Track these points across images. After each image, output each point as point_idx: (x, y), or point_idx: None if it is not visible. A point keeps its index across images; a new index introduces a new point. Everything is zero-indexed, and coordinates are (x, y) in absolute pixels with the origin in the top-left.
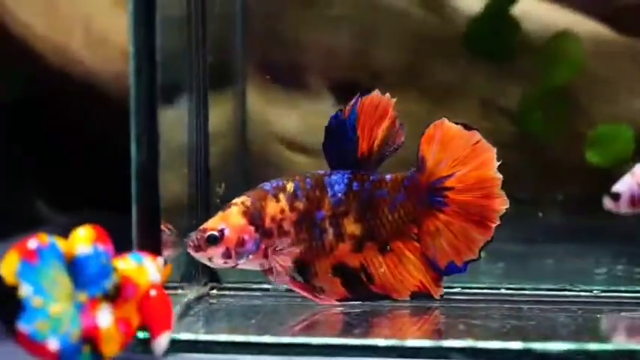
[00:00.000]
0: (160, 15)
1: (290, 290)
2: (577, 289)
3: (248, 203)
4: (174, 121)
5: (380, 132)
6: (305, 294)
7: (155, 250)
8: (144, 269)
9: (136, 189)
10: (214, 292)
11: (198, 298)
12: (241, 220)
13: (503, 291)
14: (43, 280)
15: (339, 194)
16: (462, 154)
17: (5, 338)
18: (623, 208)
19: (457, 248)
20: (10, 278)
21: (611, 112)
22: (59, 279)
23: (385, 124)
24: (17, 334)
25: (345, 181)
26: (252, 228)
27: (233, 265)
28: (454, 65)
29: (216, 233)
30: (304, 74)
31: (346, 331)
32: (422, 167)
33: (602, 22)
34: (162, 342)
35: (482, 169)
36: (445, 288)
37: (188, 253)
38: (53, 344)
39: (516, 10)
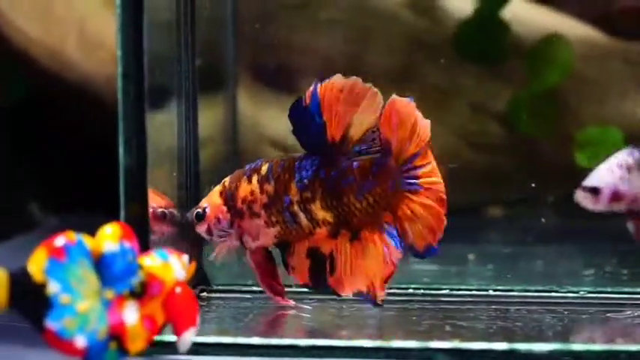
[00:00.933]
0: (148, 18)
1: None
2: (564, 290)
3: (226, 184)
4: (163, 125)
5: (353, 117)
6: (267, 291)
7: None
8: (169, 266)
9: (124, 192)
10: (204, 294)
11: None
12: (218, 200)
13: (491, 292)
14: (71, 278)
15: (305, 180)
16: (424, 129)
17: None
18: (602, 204)
19: (433, 229)
20: (38, 276)
21: (601, 114)
22: (86, 276)
23: (361, 109)
24: (45, 332)
25: (313, 167)
26: (225, 208)
27: (217, 240)
28: (444, 68)
29: (200, 211)
30: (295, 77)
31: (334, 332)
32: (388, 150)
33: (592, 24)
34: (187, 339)
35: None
36: (434, 290)
37: None
38: (81, 341)
39: (506, 12)
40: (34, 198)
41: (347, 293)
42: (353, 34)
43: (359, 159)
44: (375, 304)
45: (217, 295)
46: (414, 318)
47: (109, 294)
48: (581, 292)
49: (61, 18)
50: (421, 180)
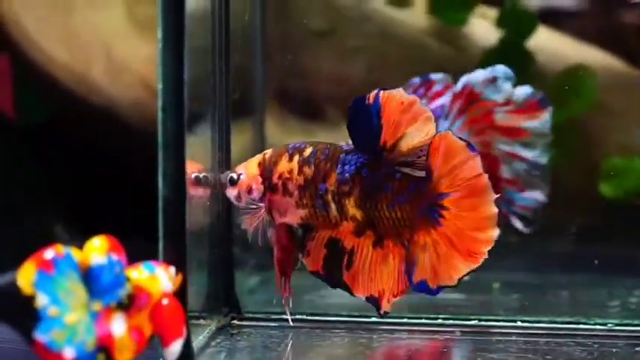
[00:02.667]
0: (187, 50)
1: (307, 320)
2: (592, 322)
3: (267, 156)
4: (197, 152)
5: (407, 130)
6: (277, 269)
7: (183, 284)
8: (156, 278)
9: (163, 224)
10: (235, 322)
11: (220, 329)
12: (255, 170)
13: (519, 324)
14: (59, 290)
15: (347, 174)
16: (462, 175)
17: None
18: None
19: (436, 271)
20: (27, 288)
21: (625, 144)
22: (74, 289)
23: (415, 126)
24: (34, 344)
25: (357, 164)
26: (260, 179)
27: (243, 208)
28: None
29: (234, 176)
30: (321, 104)
31: None
32: (429, 177)
33: (615, 54)
34: (174, 350)
35: (480, 198)
36: (462, 320)
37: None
38: (69, 353)
39: (530, 42)
40: (59, 220)
41: (360, 294)
42: (378, 62)
43: (402, 170)
44: (379, 314)
45: (248, 322)
46: (444, 350)
47: (97, 306)
48: (609, 325)
49: (88, 42)
50: (444, 219)
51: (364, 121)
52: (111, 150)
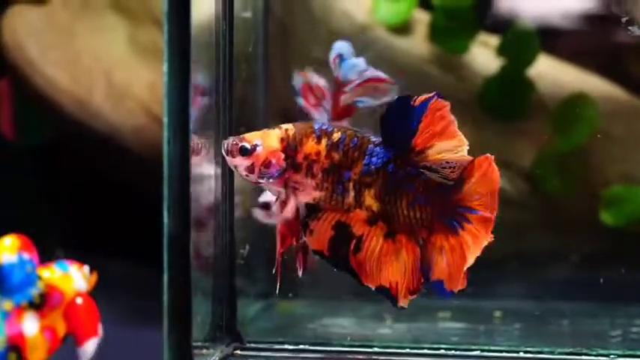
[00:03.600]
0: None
1: (309, 350)
2: (594, 352)
3: (291, 132)
4: (202, 179)
5: (437, 143)
6: (279, 237)
7: (187, 314)
8: (69, 277)
9: (168, 257)
10: (238, 352)
11: (223, 359)
12: (276, 144)
13: (522, 354)
14: None
15: (372, 166)
16: (490, 200)
17: None
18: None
19: (452, 275)
20: None
21: (625, 172)
22: None
23: (446, 142)
24: None
25: (384, 158)
26: (282, 155)
27: (253, 181)
28: (470, 124)
29: (248, 146)
30: None
31: None
32: (459, 187)
33: (615, 82)
34: (88, 349)
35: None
36: (464, 350)
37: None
38: None
39: (532, 70)
40: (58, 243)
41: (369, 283)
42: None
43: (430, 175)
44: (395, 306)
45: (250, 352)
46: None
47: (7, 305)
48: (611, 356)
49: (90, 68)
50: (463, 230)
51: (403, 119)
52: (111, 174)
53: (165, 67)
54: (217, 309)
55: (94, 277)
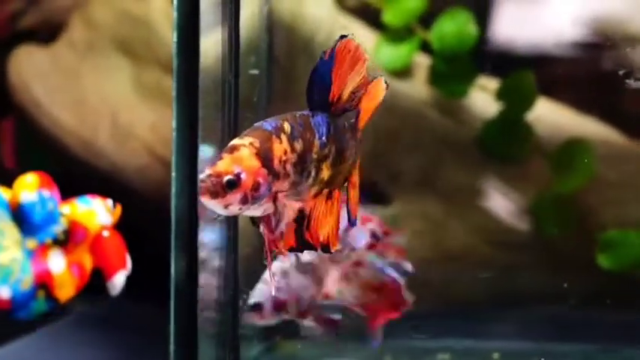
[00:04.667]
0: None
1: None
2: None
3: (257, 144)
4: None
5: (350, 80)
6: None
7: (193, 355)
8: (93, 212)
9: (175, 301)
10: None
11: None
12: (255, 163)
13: None
14: None
15: (324, 137)
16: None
17: None
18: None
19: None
20: None
21: (622, 216)
22: (5, 228)
23: (356, 72)
24: None
25: (325, 124)
26: (265, 170)
27: (246, 211)
28: (469, 168)
29: (233, 178)
30: None
31: None
32: (357, 117)
33: (612, 126)
34: (117, 281)
35: None
36: None
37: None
38: (5, 292)
39: (530, 114)
40: None
41: (317, 247)
42: (379, 133)
43: (345, 118)
44: (328, 252)
45: None
46: None
47: (31, 243)
48: None
49: (95, 108)
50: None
51: (319, 80)
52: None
53: (173, 124)
54: (220, 351)
55: (118, 210)
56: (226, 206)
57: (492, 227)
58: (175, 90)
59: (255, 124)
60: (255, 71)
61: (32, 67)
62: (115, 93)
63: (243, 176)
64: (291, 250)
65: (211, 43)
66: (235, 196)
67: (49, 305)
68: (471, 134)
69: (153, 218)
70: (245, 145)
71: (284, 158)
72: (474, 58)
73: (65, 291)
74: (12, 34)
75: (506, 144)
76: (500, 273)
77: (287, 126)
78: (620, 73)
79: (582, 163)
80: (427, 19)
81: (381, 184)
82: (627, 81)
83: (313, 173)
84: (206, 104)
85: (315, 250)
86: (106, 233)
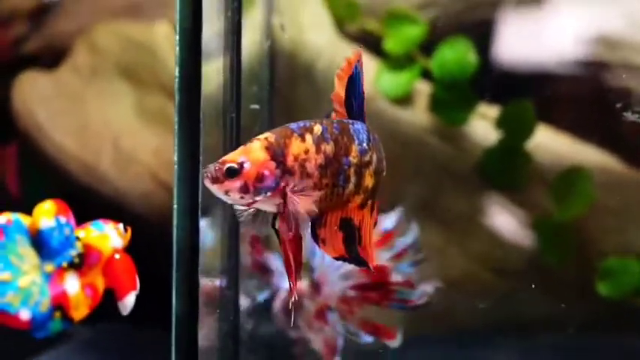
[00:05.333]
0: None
1: None
2: None
3: (272, 139)
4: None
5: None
6: (285, 264)
7: None
8: (106, 236)
9: (175, 340)
10: None
11: None
12: (263, 155)
13: None
14: (10, 256)
15: (364, 144)
16: None
17: None
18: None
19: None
20: None
21: (621, 243)
22: (25, 253)
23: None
24: None
25: (366, 132)
26: (273, 164)
27: (250, 201)
28: (469, 195)
29: (235, 165)
30: None
31: None
32: None
33: (612, 153)
34: (128, 302)
35: None
36: None
37: None
38: (25, 315)
39: (530, 142)
40: None
41: (373, 264)
42: None
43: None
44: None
45: None
46: None
47: (49, 267)
48: None
49: (97, 133)
50: None
51: (356, 90)
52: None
53: (175, 157)
54: None
55: (129, 234)
56: (226, 192)
57: (493, 254)
58: (177, 124)
59: (286, 124)
60: (256, 106)
61: (36, 93)
62: (119, 118)
63: (246, 165)
64: (338, 258)
65: (213, 71)
66: (234, 184)
67: (65, 325)
68: (472, 161)
69: (156, 243)
70: (260, 139)
71: (303, 157)
72: (474, 86)
73: (80, 311)
74: (16, 58)
75: (506, 172)
76: (500, 300)
77: (318, 128)
78: (618, 105)
79: (582, 190)
80: (428, 46)
81: (381, 210)
82: (625, 114)
83: (354, 179)
84: (207, 133)
85: (365, 266)
86: (117, 256)
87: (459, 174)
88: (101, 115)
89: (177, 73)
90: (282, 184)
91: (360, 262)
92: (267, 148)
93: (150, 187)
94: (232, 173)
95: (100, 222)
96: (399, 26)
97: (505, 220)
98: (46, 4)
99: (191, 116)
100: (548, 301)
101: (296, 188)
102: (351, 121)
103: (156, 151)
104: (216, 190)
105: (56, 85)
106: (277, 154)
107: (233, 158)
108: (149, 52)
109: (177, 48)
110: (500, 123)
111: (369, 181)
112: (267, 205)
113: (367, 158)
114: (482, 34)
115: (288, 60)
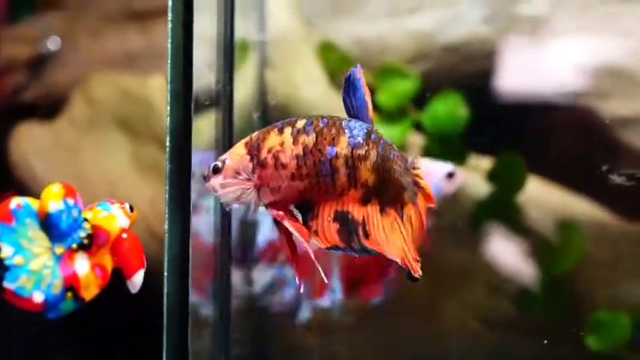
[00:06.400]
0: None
1: None
2: None
3: (254, 136)
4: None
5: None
6: (296, 233)
7: None
8: (113, 217)
9: None
10: None
11: None
12: (242, 151)
13: None
14: (22, 240)
15: (359, 138)
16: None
17: None
18: None
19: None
20: None
21: (612, 297)
22: (36, 236)
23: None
24: (5, 293)
25: (365, 129)
26: (248, 157)
27: (233, 196)
28: (461, 246)
29: (219, 163)
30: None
31: None
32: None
33: (603, 206)
34: (137, 280)
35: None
36: None
37: None
38: (38, 297)
39: (521, 195)
40: (59, 351)
41: (394, 257)
42: None
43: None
44: (414, 279)
45: None
46: None
47: (59, 249)
48: None
49: (93, 183)
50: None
51: (357, 93)
52: (112, 289)
53: (165, 226)
54: None
55: (136, 213)
56: (213, 189)
57: (483, 305)
58: (168, 194)
59: None
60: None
61: (33, 144)
62: (114, 169)
63: (227, 162)
64: (331, 248)
65: (205, 126)
66: (217, 179)
67: (76, 305)
68: (463, 214)
69: (149, 294)
70: (248, 137)
71: (277, 149)
72: (465, 140)
73: (90, 291)
74: (14, 107)
75: (498, 224)
76: (490, 351)
77: (301, 122)
78: (604, 168)
79: (573, 244)
80: (421, 99)
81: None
82: (610, 176)
83: (344, 170)
84: (198, 188)
85: (378, 255)
86: (124, 235)
87: (451, 226)
88: (97, 167)
89: (167, 143)
90: (255, 174)
91: (364, 252)
92: (246, 144)
93: (145, 238)
94: (216, 170)
95: (107, 202)
96: (391, 80)
97: (496, 272)
98: (44, 54)
99: (182, 191)
100: (538, 352)
101: (270, 178)
102: (348, 118)
103: (151, 202)
104: (208, 187)
105: (53, 136)
106: (254, 148)
107: (220, 157)
108: (144, 104)
109: (168, 119)
110: (492, 175)
111: (367, 176)
112: (250, 198)
113: (362, 152)
114: (475, 87)
115: (282, 114)
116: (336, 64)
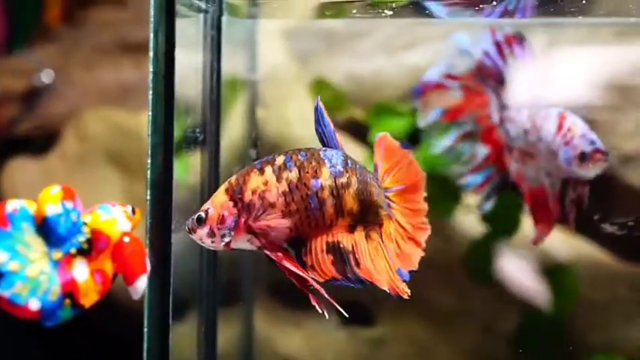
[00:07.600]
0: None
1: None
2: None
3: (233, 180)
4: (183, 338)
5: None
6: (297, 270)
7: None
8: (114, 220)
9: None
10: None
11: None
12: (224, 198)
13: None
14: (17, 245)
15: (338, 166)
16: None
17: None
18: None
19: (403, 258)
20: None
21: (607, 339)
22: (32, 241)
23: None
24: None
25: (341, 157)
26: (231, 203)
27: (221, 245)
28: (455, 289)
29: (202, 214)
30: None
31: None
32: (376, 172)
33: (599, 247)
34: (139, 285)
35: (417, 194)
36: None
37: None
38: (34, 304)
39: (515, 234)
40: None
41: (382, 286)
42: None
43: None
44: (401, 298)
45: None
46: None
47: (57, 255)
48: None
49: None
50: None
51: (321, 122)
52: (100, 326)
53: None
54: None
55: (138, 216)
56: (200, 240)
57: (479, 349)
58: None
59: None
60: None
61: (24, 180)
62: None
63: (210, 211)
64: (328, 281)
65: (193, 165)
66: (203, 230)
67: (75, 312)
68: (458, 255)
69: (136, 332)
70: (227, 182)
71: (262, 189)
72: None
73: (90, 298)
74: (7, 140)
75: (492, 266)
76: None
77: (280, 158)
78: (595, 217)
79: (568, 286)
80: (415, 135)
81: (365, 304)
82: (602, 225)
83: (331, 201)
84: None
85: (371, 284)
86: (126, 239)
87: (445, 267)
88: (88, 203)
89: (148, 196)
90: (242, 220)
91: (362, 282)
92: (227, 190)
93: None
94: (200, 221)
95: (108, 205)
96: (384, 118)
97: (491, 314)
98: (38, 87)
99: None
100: None
101: (260, 221)
102: (323, 148)
103: (140, 238)
104: (194, 239)
105: (45, 172)
106: (236, 192)
107: (203, 207)
108: (137, 139)
109: (149, 172)
110: (486, 216)
111: (351, 204)
112: (241, 244)
113: (344, 180)
114: None
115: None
116: (331, 101)
